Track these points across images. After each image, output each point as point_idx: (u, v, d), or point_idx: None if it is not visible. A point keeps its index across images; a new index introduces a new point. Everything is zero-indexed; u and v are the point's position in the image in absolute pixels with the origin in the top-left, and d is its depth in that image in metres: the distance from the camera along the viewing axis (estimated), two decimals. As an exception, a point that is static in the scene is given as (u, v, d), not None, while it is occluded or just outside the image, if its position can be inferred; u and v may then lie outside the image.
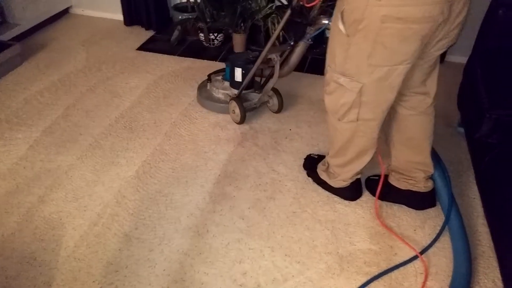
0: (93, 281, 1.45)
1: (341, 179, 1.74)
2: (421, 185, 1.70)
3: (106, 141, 2.10)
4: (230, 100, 2.20)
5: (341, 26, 1.32)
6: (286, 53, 2.10)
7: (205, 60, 2.84)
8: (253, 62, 2.10)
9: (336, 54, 1.40)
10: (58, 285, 1.43)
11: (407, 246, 1.59)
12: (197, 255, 1.54)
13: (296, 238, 1.62)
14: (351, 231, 1.65)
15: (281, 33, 2.89)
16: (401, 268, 1.52)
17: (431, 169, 1.68)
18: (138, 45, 3.02)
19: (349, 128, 1.53)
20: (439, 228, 1.66)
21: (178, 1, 3.30)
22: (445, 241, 1.61)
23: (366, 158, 1.62)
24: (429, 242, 1.61)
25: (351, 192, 1.78)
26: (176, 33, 2.99)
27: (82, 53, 2.90)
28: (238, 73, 2.17)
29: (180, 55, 2.90)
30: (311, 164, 1.92)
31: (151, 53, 2.92)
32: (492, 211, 1.62)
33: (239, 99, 2.17)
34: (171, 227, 1.65)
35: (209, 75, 2.38)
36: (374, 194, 1.77)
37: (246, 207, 1.75)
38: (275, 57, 2.06)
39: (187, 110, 2.34)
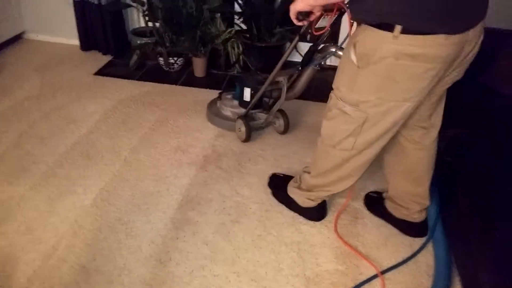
0: (48, 319, 1.35)
1: (312, 199, 1.73)
2: (415, 216, 1.70)
3: (61, 169, 2.01)
4: (238, 118, 2.25)
5: (353, 57, 1.29)
6: (294, 77, 2.11)
7: (165, 84, 2.82)
8: (262, 83, 2.15)
9: (344, 83, 1.37)
10: (9, 326, 1.33)
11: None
12: (160, 285, 1.48)
13: (262, 262, 1.59)
14: (317, 252, 1.64)
15: (241, 59, 2.93)
16: (366, 286, 1.51)
17: (427, 202, 1.67)
18: (96, 70, 2.96)
19: (342, 156, 1.50)
20: (401, 245, 1.68)
21: (137, 26, 3.27)
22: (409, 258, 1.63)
23: (348, 183, 1.60)
24: (392, 260, 1.62)
25: (317, 212, 1.78)
26: (134, 57, 2.95)
27: (36, 80, 2.81)
28: (247, 93, 2.23)
29: (139, 79, 2.86)
30: (276, 183, 1.91)
31: (109, 78, 2.86)
32: (452, 224, 1.66)
33: (246, 118, 2.23)
34: (131, 257, 1.58)
35: (220, 93, 2.46)
36: (371, 210, 1.85)
37: (210, 232, 1.71)
38: (283, 80, 2.09)
39: (147, 135, 2.29)
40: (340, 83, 1.40)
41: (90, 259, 1.56)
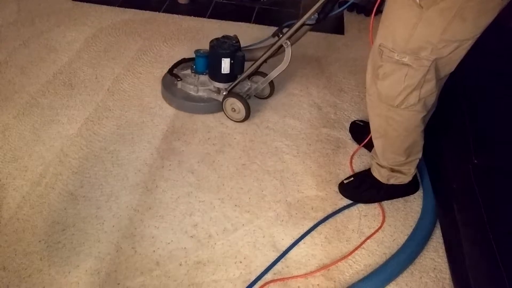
0: (39, 241, 1.41)
1: (410, 174, 1.58)
2: None
3: (44, 99, 1.99)
4: (226, 97, 1.89)
5: None
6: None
7: (147, 11, 2.71)
8: (237, 48, 1.85)
9: (397, 31, 1.22)
10: (2, 247, 1.38)
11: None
12: (147, 210, 1.54)
13: (246, 189, 1.65)
14: (299, 180, 1.70)
15: None
16: (346, 212, 1.59)
17: None
18: (74, -4, 2.82)
19: (407, 114, 1.35)
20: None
21: None
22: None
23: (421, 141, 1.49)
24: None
25: (415, 183, 1.65)
26: (114, -18, 2.80)
27: (13, 6, 2.68)
28: (225, 64, 1.84)
29: (120, 6, 2.75)
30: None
31: (88, 4, 2.74)
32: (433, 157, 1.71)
33: (236, 93, 1.89)
34: (118, 184, 1.62)
35: (171, 72, 2.03)
36: (355, 138, 1.87)
37: (195, 161, 1.74)
38: (287, 42, 1.76)
39: (130, 65, 2.25)
40: (392, 32, 1.24)
41: (77, 186, 1.60)
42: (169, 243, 1.44)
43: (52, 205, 1.53)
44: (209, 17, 2.71)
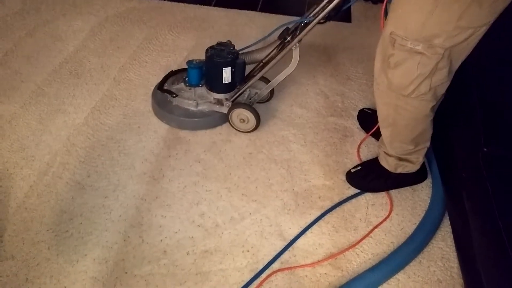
0: (47, 230, 1.42)
1: (418, 163, 1.56)
2: None
3: (50, 88, 1.99)
4: (232, 108, 1.76)
5: None
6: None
7: (152, 0, 2.69)
8: (236, 55, 1.70)
9: (411, 18, 1.19)
10: (10, 236, 1.39)
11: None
12: (154, 200, 1.54)
13: (253, 178, 1.64)
14: (306, 169, 1.69)
15: None
16: (353, 201, 1.58)
17: None
18: (79, -16, 2.80)
19: (417, 103, 1.33)
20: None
21: None
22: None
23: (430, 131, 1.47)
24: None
25: (423, 171, 1.63)
26: (119, -29, 2.77)
27: (17, -6, 2.67)
28: (227, 73, 1.69)
29: (125, -6, 2.73)
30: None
31: (93, -7, 2.73)
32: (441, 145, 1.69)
33: (241, 103, 1.77)
34: (125, 174, 1.62)
35: (162, 88, 1.85)
36: (363, 127, 1.86)
37: (202, 151, 1.74)
38: (297, 45, 1.66)
39: (136, 54, 2.24)
40: (405, 20, 1.21)
41: (84, 176, 1.60)
42: (176, 232, 1.44)
43: (60, 194, 1.53)
44: (215, 6, 2.69)
